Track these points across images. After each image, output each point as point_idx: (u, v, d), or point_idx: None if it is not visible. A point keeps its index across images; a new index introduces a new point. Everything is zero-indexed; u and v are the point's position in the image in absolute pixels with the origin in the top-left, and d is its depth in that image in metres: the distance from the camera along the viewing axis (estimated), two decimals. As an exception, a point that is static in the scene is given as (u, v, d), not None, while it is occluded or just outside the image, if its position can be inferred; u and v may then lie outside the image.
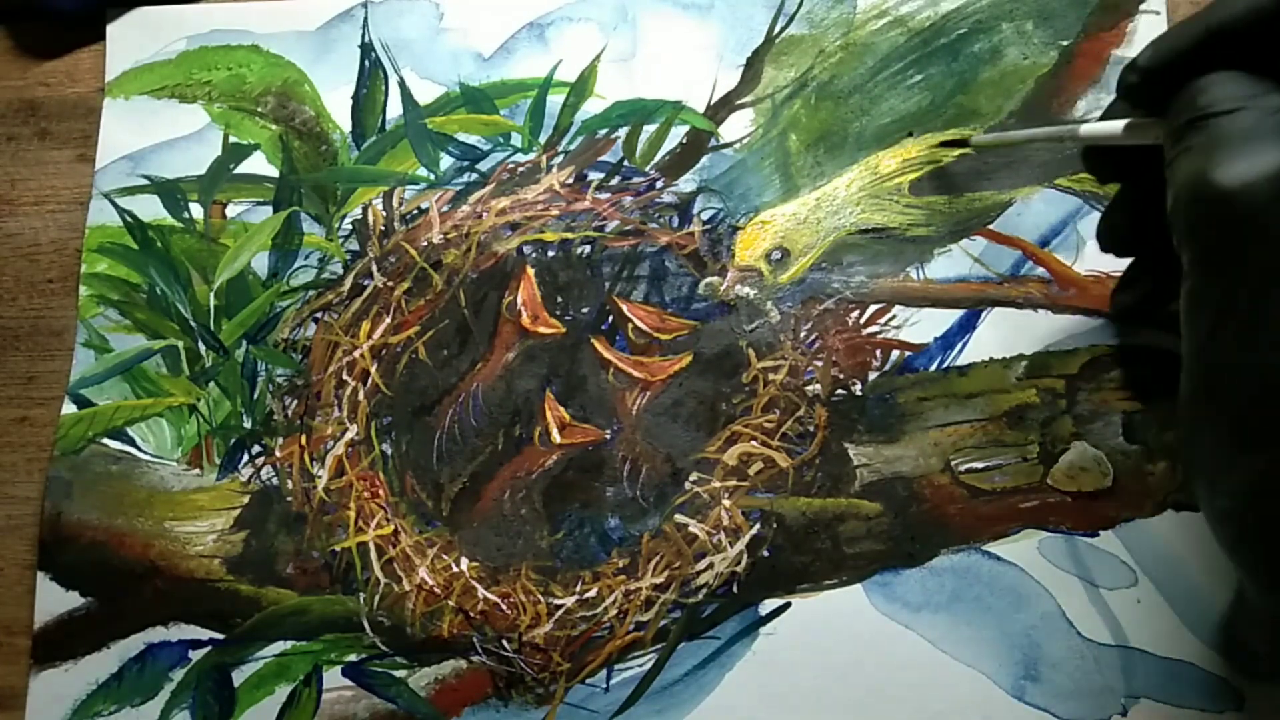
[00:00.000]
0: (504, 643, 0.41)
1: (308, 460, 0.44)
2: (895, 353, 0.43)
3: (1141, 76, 0.30)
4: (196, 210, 0.47)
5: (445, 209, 0.46)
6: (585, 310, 0.44)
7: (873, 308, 0.43)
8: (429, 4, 0.48)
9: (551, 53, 0.47)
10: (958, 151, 0.43)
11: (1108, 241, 0.38)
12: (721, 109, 0.46)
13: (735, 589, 0.41)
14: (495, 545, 0.42)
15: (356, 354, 0.45)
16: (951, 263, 0.43)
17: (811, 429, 0.42)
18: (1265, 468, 0.27)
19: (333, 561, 0.42)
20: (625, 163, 0.46)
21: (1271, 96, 0.28)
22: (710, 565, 0.41)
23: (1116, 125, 0.32)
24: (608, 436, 0.43)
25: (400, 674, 0.41)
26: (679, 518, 0.42)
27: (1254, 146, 0.27)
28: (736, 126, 0.46)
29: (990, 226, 0.43)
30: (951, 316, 0.43)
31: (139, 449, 0.44)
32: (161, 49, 0.49)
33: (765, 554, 0.41)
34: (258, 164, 0.47)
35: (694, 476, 0.42)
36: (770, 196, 0.45)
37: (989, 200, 0.43)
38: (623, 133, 0.46)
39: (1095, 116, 0.42)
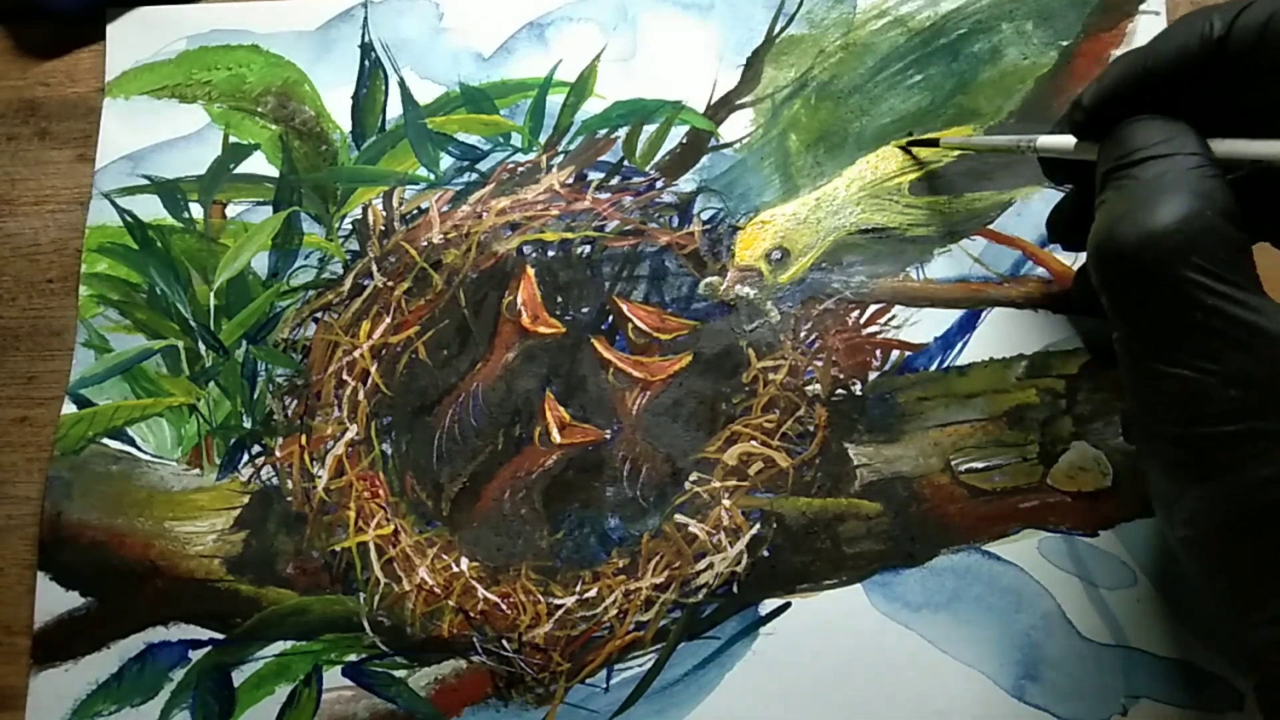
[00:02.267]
0: (504, 643, 0.41)
1: (308, 460, 0.44)
2: (895, 353, 0.43)
3: (1084, 115, 0.32)
4: (196, 210, 0.47)
5: (445, 209, 0.46)
6: (585, 310, 0.44)
7: (873, 308, 0.43)
8: (429, 4, 0.48)
9: (551, 53, 0.47)
10: (926, 151, 0.44)
11: (1055, 234, 0.40)
12: (721, 109, 0.46)
13: (735, 589, 0.41)
14: (495, 545, 0.42)
15: (356, 354, 0.45)
16: (951, 263, 0.43)
17: (811, 429, 0.42)
18: (1206, 500, 0.28)
19: (333, 561, 0.42)
20: (625, 163, 0.46)
21: (1184, 143, 0.29)
22: (710, 565, 0.41)
23: (1068, 141, 0.34)
24: (608, 436, 0.43)
25: (400, 674, 0.41)
26: (679, 518, 0.42)
27: (1155, 201, 0.28)
28: (736, 126, 0.46)
29: (990, 226, 0.43)
30: (951, 316, 0.43)
31: (139, 449, 0.44)
32: (161, 49, 0.49)
33: (765, 554, 0.41)
34: (258, 164, 0.47)
35: (694, 476, 0.42)
36: (770, 196, 0.45)
37: (989, 200, 0.43)
38: (623, 133, 0.46)
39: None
